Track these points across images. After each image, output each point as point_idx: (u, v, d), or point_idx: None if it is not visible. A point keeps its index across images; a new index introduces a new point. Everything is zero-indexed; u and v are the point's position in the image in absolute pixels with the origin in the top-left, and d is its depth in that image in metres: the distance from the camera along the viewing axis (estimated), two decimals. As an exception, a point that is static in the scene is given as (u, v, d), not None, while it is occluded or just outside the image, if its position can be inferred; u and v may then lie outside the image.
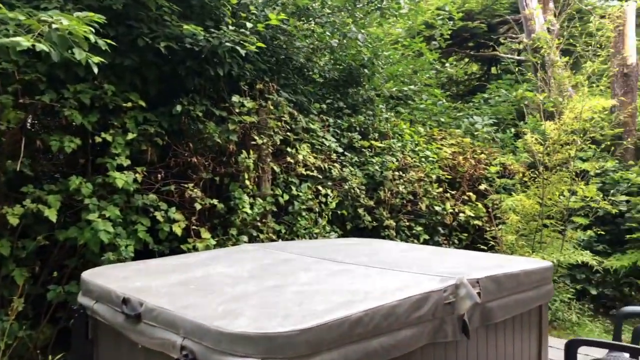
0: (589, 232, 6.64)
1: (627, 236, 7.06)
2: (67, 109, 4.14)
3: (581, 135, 6.15)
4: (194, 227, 4.76)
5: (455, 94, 13.23)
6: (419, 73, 8.57)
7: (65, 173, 4.63)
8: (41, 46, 2.97)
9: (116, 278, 2.59)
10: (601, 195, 6.51)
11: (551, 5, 10.55)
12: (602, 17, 7.92)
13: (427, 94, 8.71)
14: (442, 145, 7.73)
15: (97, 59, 3.28)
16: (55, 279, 4.23)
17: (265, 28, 4.96)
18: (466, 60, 13.94)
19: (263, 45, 4.81)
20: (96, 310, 2.49)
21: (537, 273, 2.84)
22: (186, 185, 4.74)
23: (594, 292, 7.01)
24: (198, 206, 4.74)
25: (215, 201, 4.88)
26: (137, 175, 4.45)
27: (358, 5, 6.36)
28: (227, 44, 4.42)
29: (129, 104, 4.49)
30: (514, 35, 11.31)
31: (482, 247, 6.87)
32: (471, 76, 14.32)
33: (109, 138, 4.36)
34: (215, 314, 1.92)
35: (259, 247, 3.51)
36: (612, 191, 7.33)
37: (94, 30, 3.23)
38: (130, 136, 4.45)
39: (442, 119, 8.40)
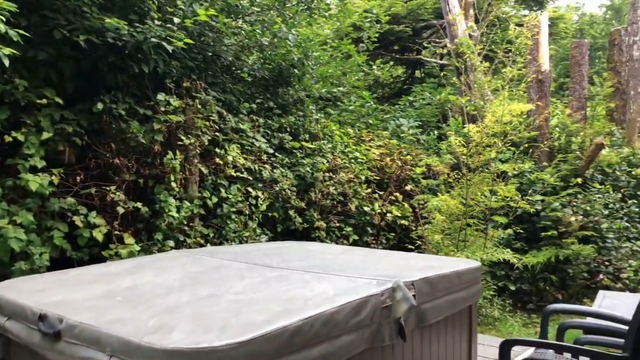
0: (508, 230, 6.97)
1: (542, 234, 7.49)
2: (-29, 106, 3.78)
3: (501, 138, 6.44)
4: (116, 232, 4.50)
5: (381, 96, 13.51)
6: (348, 75, 8.64)
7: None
8: (-60, 36, 2.67)
9: (30, 291, 2.37)
10: (519, 195, 6.85)
11: (472, 11, 11.03)
12: (519, 25, 8.35)
13: (356, 95, 8.81)
14: (370, 146, 7.84)
15: (7, 51, 3.01)
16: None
17: (193, 24, 4.78)
18: (392, 63, 14.28)
19: (191, 42, 4.64)
20: (8, 328, 2.26)
21: (467, 273, 2.92)
22: (108, 188, 4.47)
23: (512, 287, 7.37)
24: (120, 210, 4.48)
25: (139, 204, 4.64)
26: (53, 177, 4.14)
27: (287, 4, 6.29)
28: (153, 39, 4.21)
29: (44, 101, 4.17)
30: (437, 40, 11.71)
31: (409, 246, 7.04)
32: (397, 79, 14.69)
33: (21, 137, 4.03)
34: (145, 328, 1.78)
35: (188, 253, 3.37)
36: (529, 191, 7.75)
37: (4, 20, 2.95)
38: (45, 135, 4.14)
39: (370, 121, 8.52)
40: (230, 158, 5.33)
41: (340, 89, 8.24)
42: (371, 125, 8.50)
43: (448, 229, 6.52)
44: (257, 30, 6.10)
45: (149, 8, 4.65)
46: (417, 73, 14.17)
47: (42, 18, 4.13)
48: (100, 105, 4.40)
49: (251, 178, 5.67)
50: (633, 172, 9.22)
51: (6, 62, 3.00)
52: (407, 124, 8.80)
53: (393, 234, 7.47)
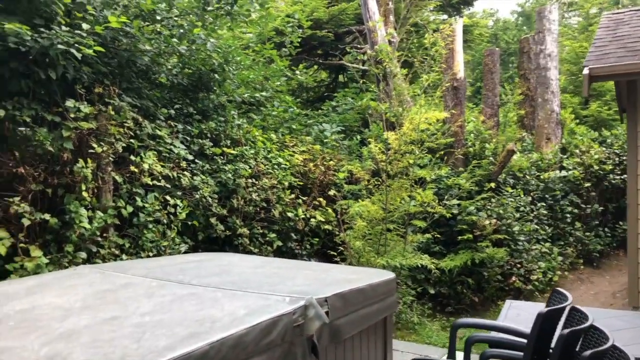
0: (427, 235, 7.23)
1: (459, 237, 7.83)
2: None
3: (418, 145, 6.68)
4: (21, 244, 4.26)
5: (306, 100, 13.61)
6: (270, 80, 8.63)
7: None
8: None
9: None
10: (436, 200, 7.13)
11: (392, 18, 11.35)
12: (435, 31, 8.68)
13: (279, 100, 8.82)
14: (294, 152, 7.88)
15: None
16: None
17: (104, 30, 4.59)
18: (315, 67, 14.43)
19: (101, 49, 4.46)
20: None
21: (382, 286, 2.99)
22: (11, 199, 4.21)
23: (432, 291, 7.63)
24: (26, 222, 4.24)
25: (47, 216, 4.41)
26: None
27: (208, 8, 6.19)
28: (60, 46, 4.00)
29: (-64, 107, 3.87)
30: (359, 46, 11.96)
31: (332, 252, 7.13)
32: (320, 83, 14.85)
33: None
34: (36, 359, 1.70)
35: (97, 269, 3.23)
36: (446, 196, 8.09)
37: None
38: (-63, 144, 3.84)
39: (294, 126, 8.57)
40: (146, 166, 5.17)
41: (263, 93, 8.22)
42: (294, 130, 8.54)
43: (369, 234, 6.67)
44: (175, 35, 5.95)
45: (56, 13, 4.42)
46: (341, 78, 14.40)
47: None
48: (1, 112, 4.14)
49: (169, 186, 5.54)
50: (542, 176, 9.88)
51: None
52: (330, 129, 8.92)
53: (317, 239, 7.55)
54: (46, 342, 1.83)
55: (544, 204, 9.49)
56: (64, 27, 4.20)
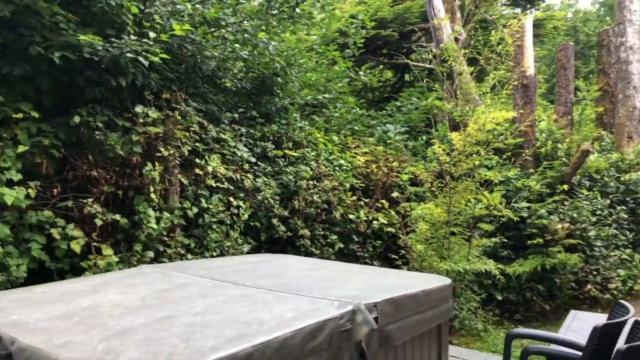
0: (494, 239, 6.97)
1: (529, 242, 7.48)
2: (-53, 121, 3.79)
3: (484, 146, 6.46)
4: (94, 243, 4.52)
5: (371, 100, 13.53)
6: (333, 81, 8.67)
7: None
8: None
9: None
10: (504, 203, 6.85)
11: (459, 14, 11.05)
12: (505, 26, 8.35)
13: (341, 102, 8.83)
14: (356, 153, 7.86)
15: (-25, 70, 3.01)
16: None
17: (170, 38, 4.79)
18: (381, 67, 14.32)
19: (167, 57, 4.66)
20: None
21: (436, 292, 2.92)
22: (85, 201, 4.49)
23: (499, 297, 7.33)
24: (99, 222, 4.50)
25: (117, 216, 4.66)
26: (29, 190, 4.16)
27: (271, 12, 6.31)
28: (129, 54, 4.22)
29: (20, 115, 4.18)
30: (424, 44, 11.75)
31: (394, 256, 7.04)
32: (386, 83, 14.72)
33: (-3, 151, 4.05)
34: (93, 353, 1.80)
35: (159, 268, 3.37)
36: (515, 198, 7.76)
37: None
38: (21, 148, 4.16)
39: (357, 127, 8.54)
40: (210, 168, 5.34)
41: (326, 95, 8.26)
42: (357, 131, 8.52)
43: (432, 237, 6.53)
44: (239, 40, 6.11)
45: (125, 23, 4.66)
46: (407, 77, 14.21)
47: (18, 35, 4.15)
48: (77, 118, 4.42)
49: (233, 187, 5.68)
50: (622, 178, 9.24)
51: (-26, 81, 3.01)
52: (393, 130, 8.82)
53: (380, 242, 7.48)
54: (104, 339, 1.94)
55: (625, 208, 8.87)
56: (132, 37, 4.43)
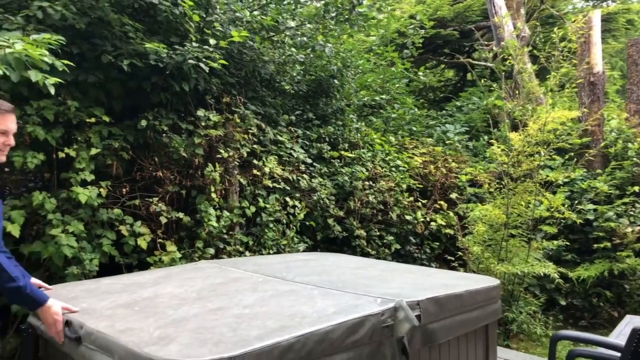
0: (556, 241, 6.74)
1: (595, 245, 7.18)
2: (30, 125, 4.16)
3: (544, 146, 6.28)
4: (159, 240, 4.80)
5: (432, 100, 13.39)
6: (391, 82, 8.68)
7: (31, 188, 4.66)
8: (-4, 69, 3.01)
9: (65, 298, 2.62)
10: (567, 205, 6.62)
11: (522, 11, 10.71)
12: (573, 21, 8.04)
13: (399, 102, 8.83)
14: (413, 154, 7.84)
15: (53, 80, 3.32)
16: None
17: (229, 44, 5.01)
18: (442, 66, 14.13)
19: (226, 63, 4.88)
20: (44, 330, 2.54)
21: (482, 293, 2.93)
22: (152, 199, 4.78)
23: (563, 302, 7.07)
24: (163, 219, 4.78)
25: (181, 214, 4.92)
26: (101, 189, 4.48)
27: (327, 17, 6.43)
28: (191, 60, 4.47)
29: (93, 119, 4.52)
30: (485, 43, 11.49)
31: (450, 258, 6.97)
32: (447, 82, 14.50)
33: (73, 153, 4.39)
34: (149, 339, 1.97)
35: (216, 264, 3.57)
36: (580, 200, 7.47)
37: (48, 53, 3.27)
38: (94, 151, 4.48)
39: (414, 128, 8.52)
40: (267, 169, 5.53)
41: (383, 96, 8.29)
42: (415, 132, 8.49)
43: (489, 239, 6.41)
44: (296, 44, 6.28)
45: (188, 30, 4.93)
46: (469, 76, 13.93)
47: (92, 45, 4.49)
48: (144, 122, 4.72)
49: (289, 188, 5.85)
50: (701, 180, 8.66)
51: (52, 91, 3.31)
52: (453, 130, 8.71)
53: (438, 244, 7.43)
54: (160, 326, 2.11)
55: None
56: (194, 44, 4.68)
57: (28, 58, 3.24)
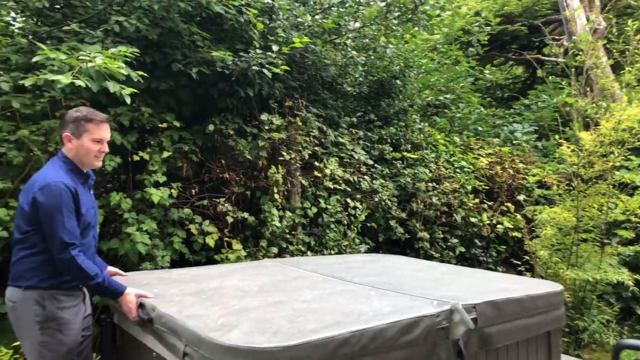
0: (633, 247, 6.38)
1: (681, 252, 6.73)
2: (108, 131, 4.47)
3: (619, 146, 5.97)
4: (226, 238, 5.00)
5: (500, 98, 13.01)
6: (455, 81, 8.54)
7: (109, 189, 5.01)
8: (79, 82, 3.28)
9: (138, 284, 2.83)
10: (644, 208, 6.25)
11: (597, 2, 10.17)
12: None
13: (464, 102, 8.67)
14: (479, 155, 7.68)
15: (129, 90, 3.57)
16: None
17: (291, 50, 5.16)
18: (510, 63, 13.67)
19: (288, 68, 5.02)
20: (120, 318, 2.77)
21: (543, 298, 2.85)
22: (219, 200, 5.00)
23: (640, 312, 6.70)
24: (230, 219, 4.99)
25: (246, 214, 5.11)
26: (172, 190, 4.74)
27: (390, 17, 6.44)
28: (254, 67, 4.64)
29: (165, 124, 4.80)
30: (556, 37, 11.00)
31: (517, 261, 6.78)
32: (515, 80, 14.02)
33: (146, 156, 4.68)
34: (214, 325, 2.11)
35: (278, 262, 3.70)
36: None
37: (124, 65, 3.52)
38: (166, 154, 4.75)
39: (480, 128, 8.33)
40: (328, 171, 5.62)
41: (448, 96, 8.18)
42: (481, 132, 8.31)
43: (558, 243, 6.18)
44: (358, 46, 6.34)
45: (252, 37, 5.12)
46: (539, 72, 13.39)
47: (163, 55, 4.77)
48: (211, 127, 4.94)
49: (350, 189, 5.91)
50: None
51: (127, 100, 3.56)
52: (521, 130, 8.45)
53: (504, 247, 7.24)
54: (224, 314, 2.25)
55: None
56: (258, 50, 4.85)
57: (107, 70, 3.51)
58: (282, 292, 2.70)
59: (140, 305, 2.54)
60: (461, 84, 8.58)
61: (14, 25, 5.17)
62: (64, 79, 3.21)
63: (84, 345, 2.73)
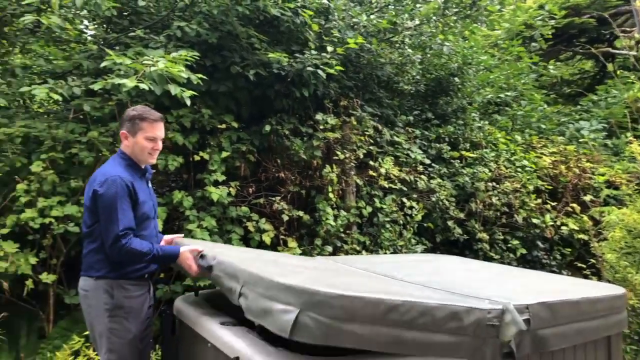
0: None
1: None
2: (170, 132, 4.68)
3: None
4: (282, 236, 5.11)
5: (567, 95, 12.45)
6: (516, 78, 8.26)
7: (172, 188, 5.24)
8: (143, 85, 3.47)
9: (198, 245, 3.02)
10: None
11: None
12: None
13: (526, 99, 8.38)
14: (542, 153, 7.41)
15: (189, 93, 3.73)
16: (162, 279, 4.79)
17: (345, 50, 5.19)
18: (578, 57, 13.05)
19: (342, 68, 5.06)
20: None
21: (604, 301, 2.74)
22: (274, 198, 5.11)
23: None
24: (285, 217, 5.08)
25: (301, 213, 5.19)
26: (231, 189, 4.89)
27: (447, 14, 6.35)
28: (309, 67, 4.71)
29: (224, 125, 4.96)
30: (627, 29, 10.38)
31: (582, 265, 6.48)
32: (583, 75, 13.35)
33: (206, 156, 4.86)
34: (270, 272, 2.27)
35: (330, 259, 3.74)
36: None
37: (184, 69, 3.68)
38: (224, 154, 4.91)
39: (543, 126, 8.03)
40: (383, 170, 5.61)
41: (509, 93, 7.94)
42: (545, 130, 8.00)
43: (628, 247, 5.86)
44: (414, 44, 6.28)
45: (307, 39, 5.20)
46: (609, 67, 12.72)
47: (222, 57, 4.94)
48: (268, 127, 5.07)
49: (406, 188, 5.87)
50: None
51: (188, 102, 3.73)
52: (588, 127, 8.07)
53: (569, 250, 6.95)
54: (280, 272, 2.42)
55: None
56: (313, 51, 4.92)
57: (169, 74, 3.68)
58: (332, 273, 2.78)
59: (201, 257, 2.72)
60: (522, 81, 8.29)
61: (86, 33, 5.52)
62: (129, 83, 3.40)
63: (146, 332, 2.89)
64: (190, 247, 2.80)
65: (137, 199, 2.77)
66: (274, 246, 5.05)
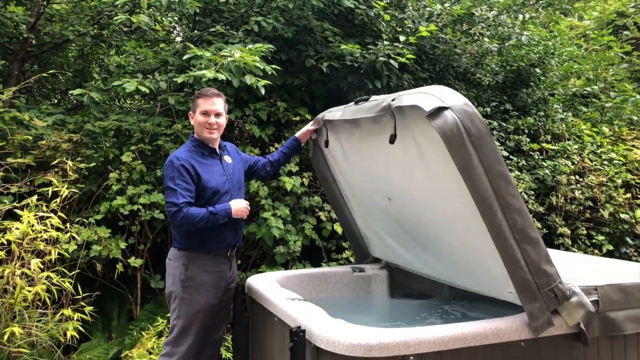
0: None
1: None
2: (248, 124, 4.92)
3: None
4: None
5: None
6: (602, 67, 7.79)
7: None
8: (220, 76, 3.70)
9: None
10: None
11: None
12: None
13: (617, 90, 7.88)
14: (633, 146, 6.98)
15: (263, 82, 3.92)
16: (240, 266, 5.03)
17: (418, 39, 5.17)
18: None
19: (414, 57, 5.04)
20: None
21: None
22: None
23: None
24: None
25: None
26: (304, 179, 5.04)
27: (527, 4, 6.15)
28: (381, 58, 4.76)
29: (298, 118, 5.13)
30: None
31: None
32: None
33: (282, 148, 5.04)
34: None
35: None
36: None
37: (259, 59, 3.87)
38: (298, 146, 5.07)
39: (635, 117, 7.53)
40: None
41: (596, 86, 7.52)
42: (636, 122, 7.52)
43: None
44: (492, 35, 6.14)
45: (380, 30, 5.25)
46: None
47: (297, 51, 5.10)
48: (341, 119, 5.16)
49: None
50: None
51: (262, 91, 3.92)
52: (686, 119, 7.48)
53: (664, 247, 6.50)
54: None
55: None
56: (385, 42, 4.97)
57: (245, 65, 3.90)
58: None
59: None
60: (611, 72, 7.82)
61: (173, 33, 5.93)
62: (208, 73, 3.64)
63: (219, 307, 3.07)
64: (242, 201, 3.00)
65: (198, 176, 2.90)
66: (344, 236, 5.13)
